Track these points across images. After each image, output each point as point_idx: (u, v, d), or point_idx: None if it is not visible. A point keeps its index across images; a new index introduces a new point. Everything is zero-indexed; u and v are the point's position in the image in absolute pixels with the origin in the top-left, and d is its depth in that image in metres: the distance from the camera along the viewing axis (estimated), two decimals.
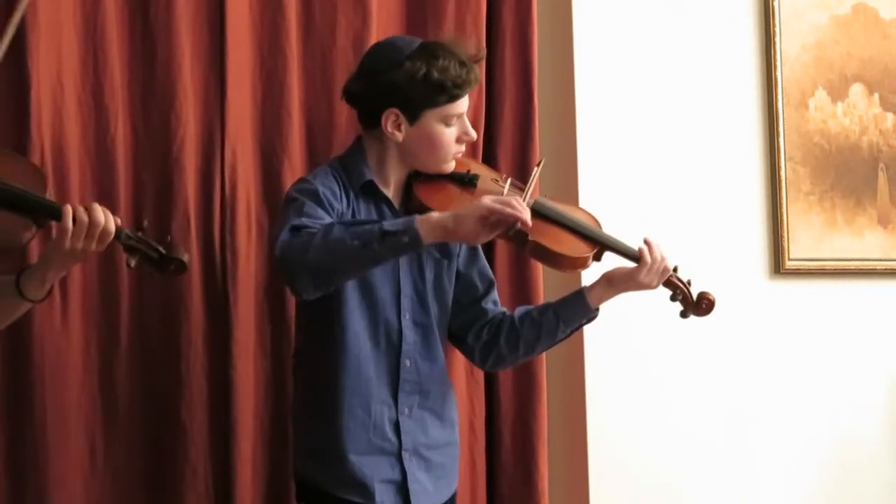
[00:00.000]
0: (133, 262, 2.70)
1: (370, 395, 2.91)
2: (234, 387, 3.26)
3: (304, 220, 2.74)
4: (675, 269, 3.07)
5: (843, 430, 4.06)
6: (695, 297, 3.09)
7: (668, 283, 3.07)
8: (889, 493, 4.10)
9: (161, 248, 2.70)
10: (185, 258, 2.72)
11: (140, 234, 2.70)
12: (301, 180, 2.94)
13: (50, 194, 2.72)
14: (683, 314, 3.12)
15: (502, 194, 2.95)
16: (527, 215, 2.70)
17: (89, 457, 3.17)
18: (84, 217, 2.60)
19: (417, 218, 2.70)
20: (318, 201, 2.82)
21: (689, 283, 3.10)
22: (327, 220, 2.78)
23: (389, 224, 2.70)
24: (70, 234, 2.59)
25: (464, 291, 3.10)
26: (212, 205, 3.28)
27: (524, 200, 2.81)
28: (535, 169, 3.04)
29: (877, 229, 4.14)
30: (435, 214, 2.72)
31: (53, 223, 2.63)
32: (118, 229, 2.65)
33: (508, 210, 2.68)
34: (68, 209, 2.60)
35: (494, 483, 3.61)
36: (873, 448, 4.10)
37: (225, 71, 3.31)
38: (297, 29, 3.41)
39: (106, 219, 2.62)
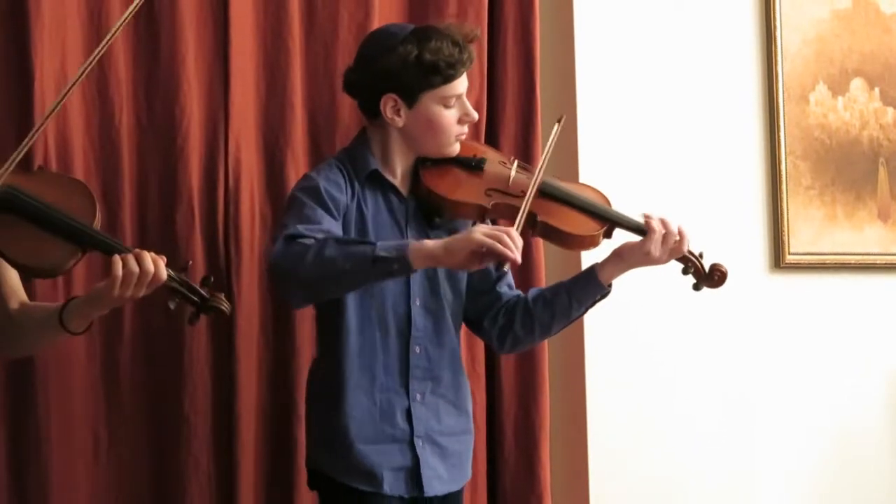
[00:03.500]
0: (173, 305, 2.70)
1: (375, 384, 2.90)
2: (237, 379, 3.26)
3: (301, 228, 2.75)
4: None
5: (842, 423, 4.07)
6: (707, 269, 3.07)
7: (681, 257, 3.05)
8: (888, 485, 4.11)
9: (203, 292, 2.70)
10: (226, 307, 2.72)
11: (183, 275, 2.70)
12: (305, 177, 2.94)
13: (97, 221, 2.71)
14: (696, 286, 3.10)
15: (510, 177, 2.98)
16: (517, 255, 2.68)
17: (92, 449, 3.17)
18: (134, 267, 2.60)
19: (410, 246, 2.71)
20: (320, 200, 2.82)
21: (700, 255, 3.08)
22: (326, 223, 2.79)
23: (382, 249, 2.70)
24: (119, 282, 2.59)
25: (479, 278, 3.09)
26: (216, 197, 3.28)
27: (535, 178, 2.86)
28: (556, 126, 3.02)
29: (877, 224, 4.14)
30: (428, 243, 2.73)
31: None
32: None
33: (499, 248, 2.67)
34: (117, 260, 2.60)
35: (496, 475, 3.62)
36: (873, 441, 4.10)
37: (228, 64, 3.32)
38: (300, 22, 3.42)
39: (156, 267, 2.62)
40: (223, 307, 2.72)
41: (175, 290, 2.69)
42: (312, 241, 2.72)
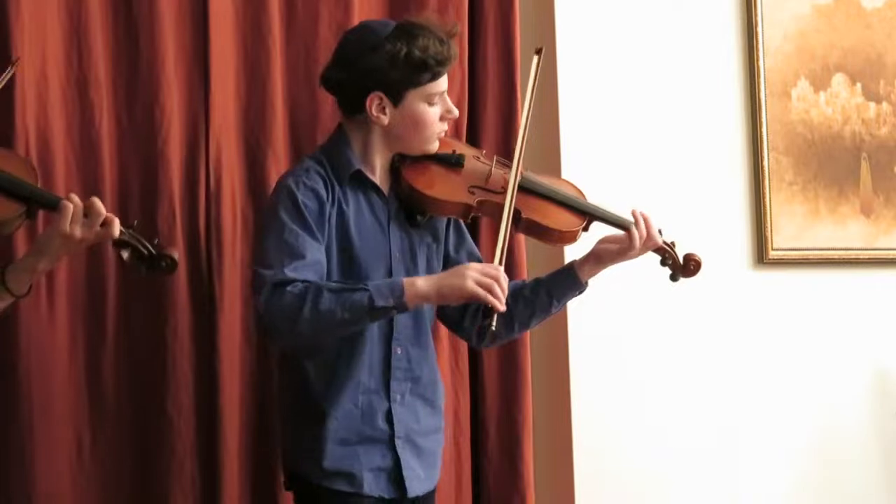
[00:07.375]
0: (126, 255, 2.70)
1: (359, 385, 2.89)
2: (220, 379, 3.26)
3: (288, 272, 2.75)
4: (659, 232, 3.08)
5: (827, 419, 4.07)
6: (681, 259, 3.11)
7: (657, 249, 3.08)
8: (873, 482, 4.12)
9: (151, 247, 2.71)
10: (176, 255, 2.74)
11: (131, 230, 2.71)
12: (283, 187, 2.88)
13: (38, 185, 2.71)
14: (673, 277, 3.13)
15: (489, 173, 2.99)
16: (503, 305, 2.76)
17: (76, 450, 3.17)
18: (80, 203, 2.61)
19: (406, 291, 2.75)
20: (302, 221, 2.81)
21: (673, 244, 3.11)
22: (310, 253, 2.79)
23: (379, 296, 2.74)
24: (70, 214, 2.59)
25: None
26: (197, 197, 3.28)
27: (515, 163, 2.91)
28: (535, 58, 3.03)
29: (859, 218, 4.15)
30: (421, 285, 2.78)
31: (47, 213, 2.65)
32: None
33: (490, 299, 2.75)
34: (67, 199, 2.61)
35: (480, 474, 3.62)
36: (857, 436, 4.11)
37: (208, 64, 3.32)
38: (280, 21, 3.42)
39: (108, 214, 2.63)
40: (174, 255, 2.73)
41: (125, 243, 2.70)
42: (301, 286, 2.74)
